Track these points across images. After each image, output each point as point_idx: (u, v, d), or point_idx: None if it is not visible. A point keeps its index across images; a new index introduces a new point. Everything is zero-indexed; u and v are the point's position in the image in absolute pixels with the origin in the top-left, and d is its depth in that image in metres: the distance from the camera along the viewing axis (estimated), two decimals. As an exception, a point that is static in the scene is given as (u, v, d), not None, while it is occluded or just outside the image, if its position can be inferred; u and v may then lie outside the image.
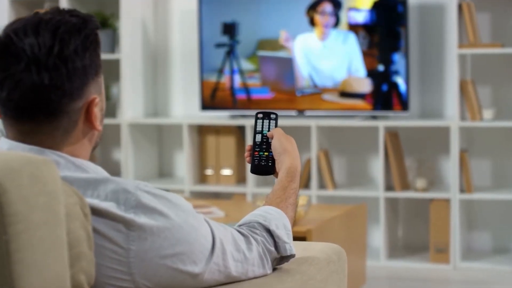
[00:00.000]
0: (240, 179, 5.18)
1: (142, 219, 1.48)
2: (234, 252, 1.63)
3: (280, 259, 1.75)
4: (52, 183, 1.35)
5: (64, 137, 1.52)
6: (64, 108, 1.49)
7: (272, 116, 1.93)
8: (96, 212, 1.47)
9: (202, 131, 5.21)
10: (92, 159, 1.63)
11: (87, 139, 1.56)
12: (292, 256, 1.75)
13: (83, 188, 1.49)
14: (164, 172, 5.54)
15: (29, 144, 1.51)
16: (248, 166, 2.02)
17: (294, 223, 1.83)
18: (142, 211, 1.49)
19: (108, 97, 5.42)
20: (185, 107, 5.44)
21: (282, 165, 1.85)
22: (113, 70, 5.35)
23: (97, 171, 1.55)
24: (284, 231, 1.74)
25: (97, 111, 1.54)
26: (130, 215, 1.48)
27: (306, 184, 5.01)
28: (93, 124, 1.54)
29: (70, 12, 1.54)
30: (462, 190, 4.73)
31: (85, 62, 1.50)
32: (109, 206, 1.47)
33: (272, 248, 1.71)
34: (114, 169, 5.51)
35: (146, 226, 1.49)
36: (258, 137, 1.91)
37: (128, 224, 1.47)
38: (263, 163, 1.89)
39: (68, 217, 1.38)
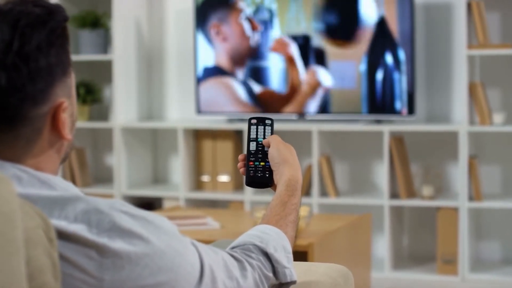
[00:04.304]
0: (238, 186, 5.15)
1: (117, 244, 1.33)
2: (226, 280, 1.49)
3: (279, 286, 1.62)
4: (7, 203, 1.21)
5: (26, 148, 1.38)
6: (26, 114, 1.35)
7: (268, 121, 1.80)
8: (64, 236, 1.32)
9: (198, 135, 5.16)
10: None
11: (54, 150, 1.42)
12: (293, 282, 1.63)
13: (48, 208, 1.34)
14: (158, 178, 5.51)
15: (-14, 156, 1.37)
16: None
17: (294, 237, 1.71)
18: (117, 234, 1.34)
19: (100, 100, 5.42)
20: (180, 110, 5.41)
21: (281, 177, 1.73)
22: (106, 72, 5.37)
23: (66, 188, 1.40)
24: (283, 254, 1.62)
25: (65, 117, 1.40)
26: (103, 240, 1.33)
27: (307, 192, 4.96)
28: (61, 132, 1.40)
29: (35, 2, 1.39)
30: (470, 198, 4.69)
31: (50, 60, 1.36)
32: (79, 229, 1.32)
33: (270, 274, 1.59)
34: (106, 175, 5.52)
35: (123, 252, 1.33)
36: (253, 145, 1.78)
37: (101, 250, 1.32)
38: (259, 175, 1.76)
39: (28, 243, 1.25)
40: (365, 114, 4.81)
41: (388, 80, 4.74)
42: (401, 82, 4.71)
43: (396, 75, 4.72)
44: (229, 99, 4.99)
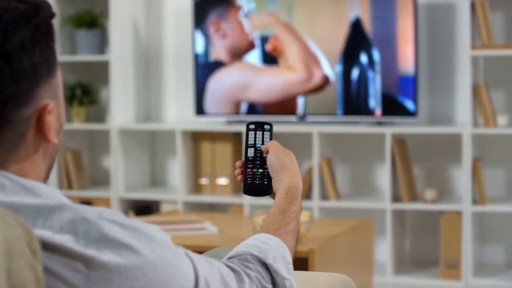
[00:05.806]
0: (237, 189, 5.11)
1: (106, 255, 1.26)
2: (223, 292, 1.43)
3: (279, 298, 1.56)
4: (-15, 213, 1.15)
5: (10, 153, 1.31)
6: (9, 117, 1.29)
7: (266, 127, 1.73)
8: (49, 247, 1.25)
9: (196, 137, 5.12)
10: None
11: (39, 154, 1.35)
12: (293, 294, 1.56)
13: (32, 217, 1.27)
14: (156, 181, 5.48)
15: (-33, 161, 1.31)
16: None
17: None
18: (106, 245, 1.27)
19: (97, 101, 5.39)
20: (178, 111, 5.37)
21: (280, 184, 1.66)
22: (103, 73, 5.34)
23: (52, 196, 1.32)
24: (283, 265, 1.55)
25: (51, 119, 1.33)
26: (91, 251, 1.26)
27: (307, 195, 4.92)
28: (46, 136, 1.33)
29: None
30: (474, 202, 4.67)
31: (34, 60, 1.30)
32: (65, 239, 1.26)
33: (269, 286, 1.52)
34: (103, 178, 5.48)
35: (111, 265, 1.26)
36: (251, 152, 1.71)
37: (88, 262, 1.26)
38: (258, 182, 1.69)
39: (9, 256, 1.19)
40: (340, 115, 4.80)
41: (363, 80, 4.74)
42: (375, 82, 4.70)
43: (370, 75, 4.71)
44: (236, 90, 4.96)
